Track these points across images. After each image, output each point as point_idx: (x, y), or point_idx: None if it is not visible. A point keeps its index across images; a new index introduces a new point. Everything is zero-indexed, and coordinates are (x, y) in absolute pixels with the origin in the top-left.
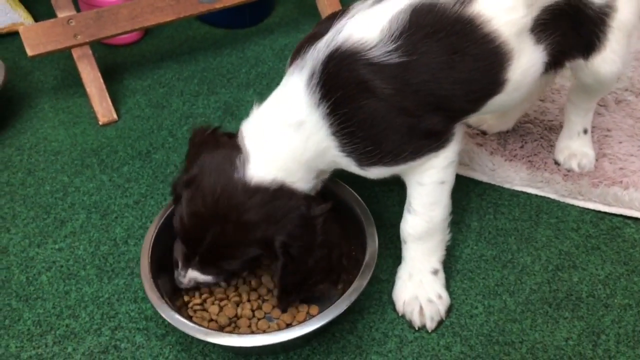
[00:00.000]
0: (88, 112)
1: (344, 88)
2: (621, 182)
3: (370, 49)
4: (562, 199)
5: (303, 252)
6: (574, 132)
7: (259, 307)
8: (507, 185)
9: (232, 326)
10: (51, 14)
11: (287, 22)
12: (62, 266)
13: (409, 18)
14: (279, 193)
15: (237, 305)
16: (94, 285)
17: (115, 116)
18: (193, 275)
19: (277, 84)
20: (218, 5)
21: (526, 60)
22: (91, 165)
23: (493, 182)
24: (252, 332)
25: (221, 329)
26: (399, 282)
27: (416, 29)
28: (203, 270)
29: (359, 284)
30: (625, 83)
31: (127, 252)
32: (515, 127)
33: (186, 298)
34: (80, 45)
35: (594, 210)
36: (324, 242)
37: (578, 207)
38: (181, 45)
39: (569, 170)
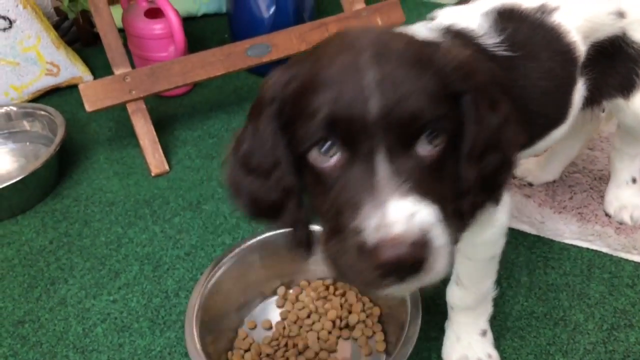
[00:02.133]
0: (141, 163)
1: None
2: None
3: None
4: (615, 253)
5: (494, 103)
6: (622, 182)
7: None
8: (557, 239)
9: None
10: (107, 67)
11: None
12: (116, 318)
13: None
14: (473, 46)
15: None
16: (147, 338)
17: (166, 167)
18: (407, 205)
19: None
20: (266, 59)
21: (579, 90)
22: (144, 217)
23: (542, 235)
24: None
25: None
26: (448, 342)
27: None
28: (404, 184)
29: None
30: None
31: (178, 305)
32: (563, 177)
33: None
34: (135, 100)
35: None
36: (507, 117)
37: (633, 261)
38: (229, 96)
39: (620, 223)
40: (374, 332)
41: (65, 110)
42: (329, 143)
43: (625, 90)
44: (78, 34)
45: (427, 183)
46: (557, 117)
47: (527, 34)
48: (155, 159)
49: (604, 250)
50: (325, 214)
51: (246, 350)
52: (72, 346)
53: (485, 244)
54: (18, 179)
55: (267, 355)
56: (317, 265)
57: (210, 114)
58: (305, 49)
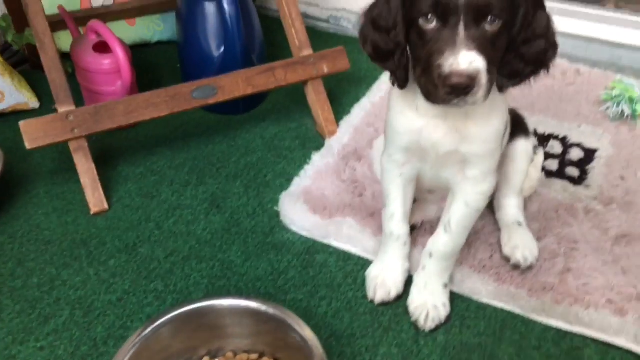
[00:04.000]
0: (81, 199)
1: None
2: (583, 300)
3: None
4: (526, 315)
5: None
6: (521, 225)
7: None
8: (475, 297)
9: None
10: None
11: (279, 109)
12: None
13: None
14: None
15: None
16: None
17: (106, 206)
18: (470, 56)
19: (264, 175)
20: (211, 101)
21: None
22: (79, 257)
23: (461, 293)
24: None
25: None
26: (415, 289)
27: None
28: (470, 44)
29: None
30: (595, 191)
31: (105, 354)
32: (486, 234)
33: None
34: (77, 138)
35: (556, 328)
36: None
37: (541, 323)
38: (175, 131)
39: (515, 266)
40: None
41: (8, 138)
42: (430, 15)
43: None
44: (26, 57)
45: (485, 47)
46: None
47: None
48: (94, 198)
49: (517, 311)
50: (420, 59)
51: None
52: None
53: (483, 194)
54: None
55: None
56: (245, 339)
57: (155, 149)
58: (251, 92)
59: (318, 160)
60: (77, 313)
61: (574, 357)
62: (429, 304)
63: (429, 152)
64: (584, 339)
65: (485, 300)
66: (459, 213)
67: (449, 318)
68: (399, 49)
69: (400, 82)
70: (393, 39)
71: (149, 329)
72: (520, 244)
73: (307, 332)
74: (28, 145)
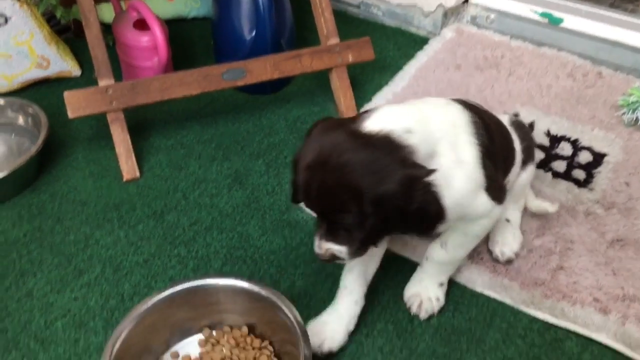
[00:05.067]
0: (115, 167)
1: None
2: (571, 296)
3: None
4: (515, 306)
5: (394, 215)
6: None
7: None
8: (469, 286)
9: None
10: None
11: (303, 92)
12: (75, 315)
13: None
14: (385, 141)
15: None
16: (100, 336)
17: (137, 174)
18: (327, 245)
19: (284, 156)
20: (240, 83)
21: None
22: (111, 220)
23: (457, 281)
24: None
25: None
26: (412, 280)
27: None
28: (329, 236)
29: None
30: (598, 195)
31: (131, 308)
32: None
33: None
34: (115, 110)
35: (542, 320)
36: (419, 209)
37: (529, 315)
38: (205, 107)
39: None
40: None
41: (52, 104)
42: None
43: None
44: (70, 26)
45: (345, 234)
46: None
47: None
48: (127, 166)
49: (507, 302)
50: None
51: None
52: (34, 336)
53: (483, 226)
54: (1, 175)
55: None
56: (241, 315)
57: (185, 123)
58: (278, 76)
59: None
60: (107, 270)
61: (556, 347)
62: (422, 295)
63: None
64: (568, 332)
65: (479, 289)
66: (457, 240)
67: (442, 309)
68: None
69: None
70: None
71: (151, 302)
72: (500, 240)
73: (294, 313)
74: (70, 114)
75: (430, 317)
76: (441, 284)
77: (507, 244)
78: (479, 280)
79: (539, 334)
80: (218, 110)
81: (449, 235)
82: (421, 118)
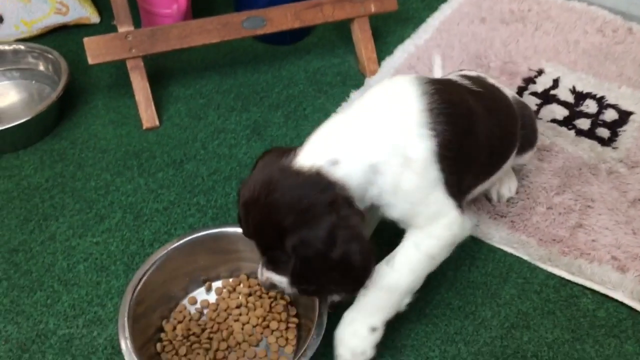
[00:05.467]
0: (135, 115)
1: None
2: (589, 254)
3: None
4: (532, 262)
5: (317, 262)
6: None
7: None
8: (487, 241)
9: None
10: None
11: (324, 43)
12: (97, 258)
13: None
14: (313, 179)
15: (207, 352)
16: (121, 279)
17: (157, 122)
18: (267, 274)
19: (303, 108)
20: (259, 32)
21: None
22: (131, 167)
23: (474, 235)
24: None
25: None
26: (343, 321)
27: None
28: (271, 265)
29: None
30: (622, 154)
31: (151, 254)
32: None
33: (163, 335)
34: (134, 57)
35: (558, 277)
36: (343, 257)
37: (545, 271)
38: (225, 57)
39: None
40: (287, 343)
41: (71, 50)
42: None
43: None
44: None
45: (283, 266)
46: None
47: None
48: (147, 114)
49: (525, 257)
50: None
51: (179, 322)
52: (57, 278)
53: (437, 239)
54: (23, 120)
55: (194, 333)
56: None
57: (205, 73)
58: (298, 25)
59: (356, 98)
60: (127, 216)
61: (571, 304)
62: (347, 345)
63: None
64: (584, 289)
65: (496, 244)
66: (406, 254)
67: (458, 264)
68: None
69: None
70: None
71: (171, 247)
72: (497, 183)
73: None
74: (90, 60)
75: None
76: (373, 330)
77: (504, 185)
78: (496, 236)
79: (555, 290)
80: (237, 60)
81: (399, 247)
82: (352, 140)
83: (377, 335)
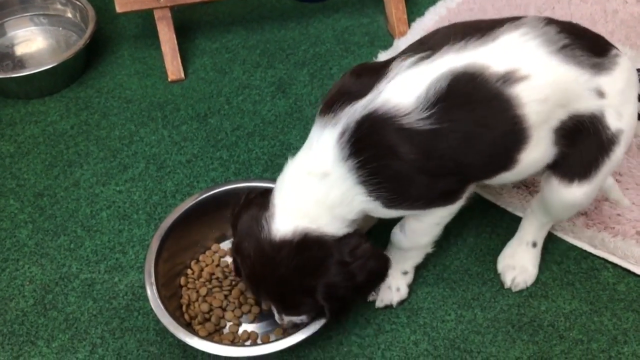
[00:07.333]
0: (160, 66)
1: (373, 148)
2: (613, 228)
3: (404, 115)
4: (555, 232)
5: (348, 293)
6: (523, 242)
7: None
8: (509, 209)
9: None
10: None
11: (353, 2)
12: (119, 207)
13: (446, 86)
14: (305, 243)
15: (225, 297)
16: (143, 228)
17: (182, 75)
18: (287, 318)
19: (329, 67)
20: None
21: (538, 152)
22: (155, 119)
23: (498, 204)
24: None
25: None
26: None
27: (452, 98)
28: (289, 313)
29: None
30: None
31: (173, 205)
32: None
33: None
34: (162, 8)
35: (580, 249)
36: (367, 280)
37: (567, 242)
38: (252, 12)
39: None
40: None
41: None
42: None
43: (569, 176)
44: None
45: (297, 308)
46: (499, 166)
47: (465, 103)
48: (172, 66)
49: None
50: None
51: (207, 265)
52: (80, 224)
53: (435, 215)
54: (50, 66)
55: (217, 278)
56: None
57: (231, 27)
58: None
59: (384, 59)
60: (151, 167)
61: (591, 276)
62: (382, 285)
63: None
64: (605, 262)
65: (519, 213)
66: (413, 225)
67: (479, 230)
68: None
69: None
70: None
71: (197, 199)
72: (518, 267)
73: None
74: (118, 9)
75: (387, 306)
76: (405, 273)
77: (526, 272)
78: (519, 206)
79: (575, 262)
80: (264, 15)
81: (406, 219)
82: (318, 195)
83: (410, 277)
